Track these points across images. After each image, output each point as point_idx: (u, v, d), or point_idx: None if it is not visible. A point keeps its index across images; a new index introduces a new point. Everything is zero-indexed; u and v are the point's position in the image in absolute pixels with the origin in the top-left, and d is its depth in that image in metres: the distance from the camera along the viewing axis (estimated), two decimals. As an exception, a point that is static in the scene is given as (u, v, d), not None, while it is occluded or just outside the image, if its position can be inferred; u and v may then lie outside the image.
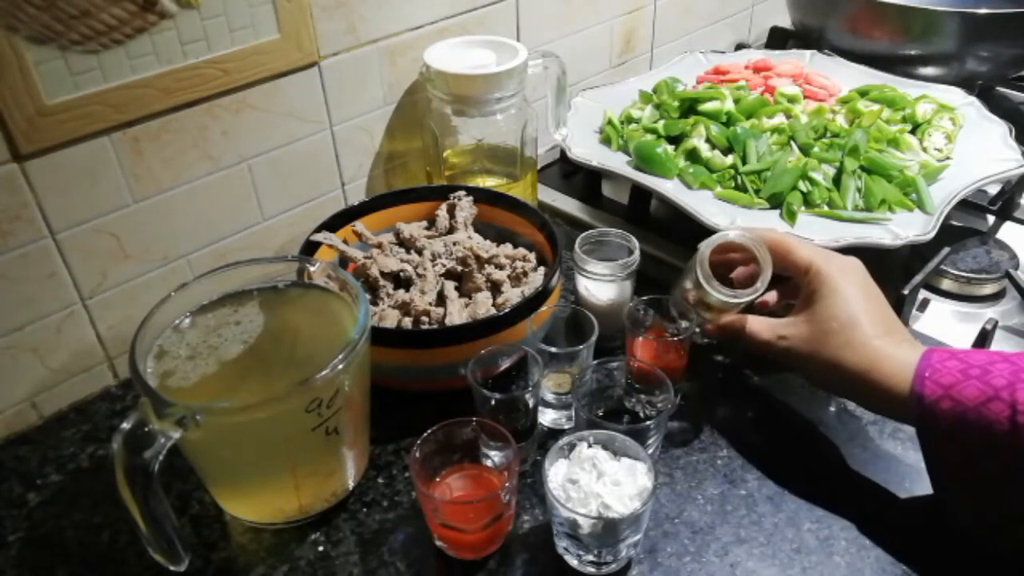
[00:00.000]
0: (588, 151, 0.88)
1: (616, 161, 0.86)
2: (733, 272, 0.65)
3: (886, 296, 0.60)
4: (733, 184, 0.81)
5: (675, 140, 0.87)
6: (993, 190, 0.85)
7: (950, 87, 0.94)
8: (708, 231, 0.72)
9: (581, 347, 0.61)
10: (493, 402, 0.58)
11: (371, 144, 0.82)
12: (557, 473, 0.53)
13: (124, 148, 0.63)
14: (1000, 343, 0.70)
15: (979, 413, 0.50)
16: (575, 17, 0.96)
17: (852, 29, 1.05)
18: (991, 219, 0.86)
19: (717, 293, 0.60)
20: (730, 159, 0.83)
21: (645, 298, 0.66)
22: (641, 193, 0.86)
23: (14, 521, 0.59)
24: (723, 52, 1.08)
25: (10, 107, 0.56)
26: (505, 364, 0.65)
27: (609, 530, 0.50)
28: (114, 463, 0.46)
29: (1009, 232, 0.84)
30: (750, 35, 1.28)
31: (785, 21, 1.18)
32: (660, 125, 0.89)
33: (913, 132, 0.87)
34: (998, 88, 1.05)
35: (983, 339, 0.68)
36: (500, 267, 0.69)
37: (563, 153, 0.88)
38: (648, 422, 0.57)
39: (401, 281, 0.70)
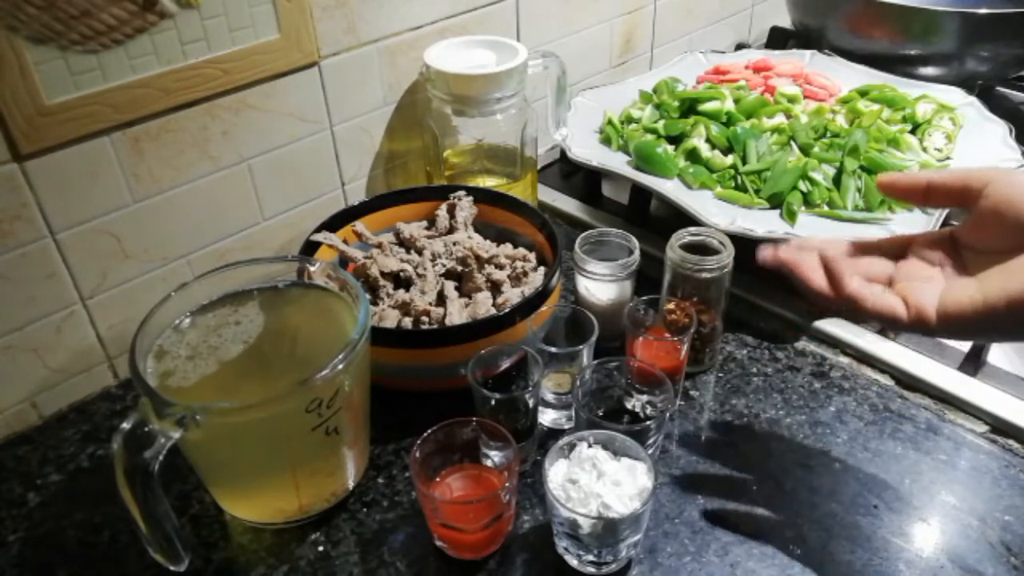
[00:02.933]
0: (588, 151, 0.88)
1: (616, 161, 0.86)
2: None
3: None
4: (733, 184, 0.81)
5: (675, 140, 0.87)
6: (993, 190, 0.85)
7: (950, 87, 0.94)
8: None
9: (581, 347, 0.61)
10: (493, 402, 0.58)
11: (371, 144, 0.82)
12: (557, 473, 0.53)
13: (124, 148, 0.63)
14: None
15: None
16: (575, 17, 0.96)
17: (852, 29, 1.05)
18: (991, 219, 0.86)
19: (687, 260, 0.63)
20: (730, 159, 0.83)
21: (645, 298, 0.66)
22: (641, 193, 0.86)
23: (14, 521, 0.59)
24: (723, 52, 1.08)
25: (10, 107, 0.56)
26: (505, 364, 0.65)
27: (609, 530, 0.50)
28: (114, 463, 0.46)
29: (1009, 232, 0.84)
30: (750, 35, 1.28)
31: (785, 21, 1.18)
32: (660, 125, 0.89)
33: (913, 132, 0.87)
34: (998, 88, 1.05)
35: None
36: (500, 267, 0.69)
37: (563, 153, 0.88)
38: (648, 422, 0.57)
39: (401, 281, 0.70)
